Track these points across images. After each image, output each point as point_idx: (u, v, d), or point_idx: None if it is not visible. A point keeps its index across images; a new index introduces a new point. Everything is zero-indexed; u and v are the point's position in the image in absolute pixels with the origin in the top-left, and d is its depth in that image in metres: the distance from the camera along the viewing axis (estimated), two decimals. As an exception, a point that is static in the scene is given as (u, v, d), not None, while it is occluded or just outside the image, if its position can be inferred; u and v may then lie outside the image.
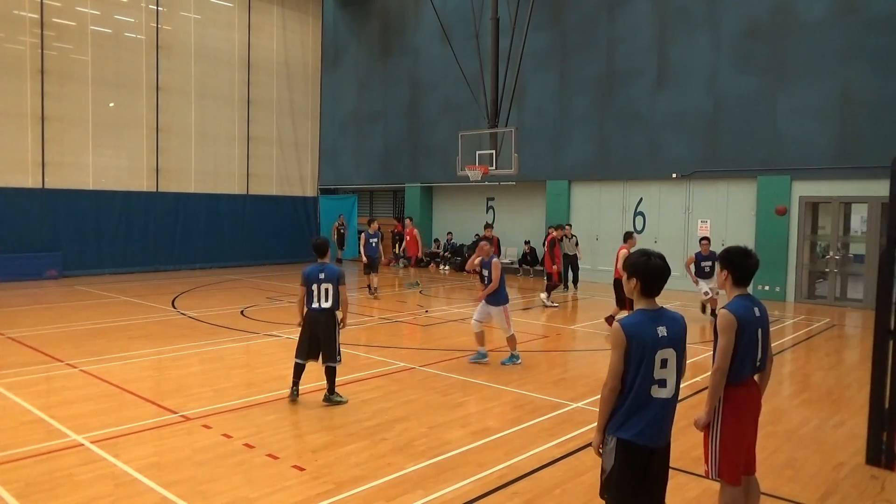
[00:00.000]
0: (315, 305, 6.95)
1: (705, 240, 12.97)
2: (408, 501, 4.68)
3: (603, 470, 3.45)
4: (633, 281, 3.40)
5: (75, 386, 7.68)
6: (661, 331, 3.35)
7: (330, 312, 7.00)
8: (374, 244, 15.74)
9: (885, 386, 5.40)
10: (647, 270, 3.37)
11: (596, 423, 3.48)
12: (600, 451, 3.47)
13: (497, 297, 8.76)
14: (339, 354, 7.06)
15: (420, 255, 19.09)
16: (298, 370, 7.07)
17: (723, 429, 3.78)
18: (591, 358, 9.92)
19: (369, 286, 15.77)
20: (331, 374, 7.03)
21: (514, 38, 17.94)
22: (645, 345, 3.30)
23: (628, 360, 3.31)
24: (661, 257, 3.41)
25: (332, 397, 7.02)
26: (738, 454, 3.81)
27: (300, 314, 7.12)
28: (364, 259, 15.77)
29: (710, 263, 12.59)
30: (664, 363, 3.34)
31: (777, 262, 15.94)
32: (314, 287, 6.95)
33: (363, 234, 16.06)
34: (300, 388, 7.14)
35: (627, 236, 12.32)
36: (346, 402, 7.03)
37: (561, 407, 7.01)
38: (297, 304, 7.12)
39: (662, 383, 3.34)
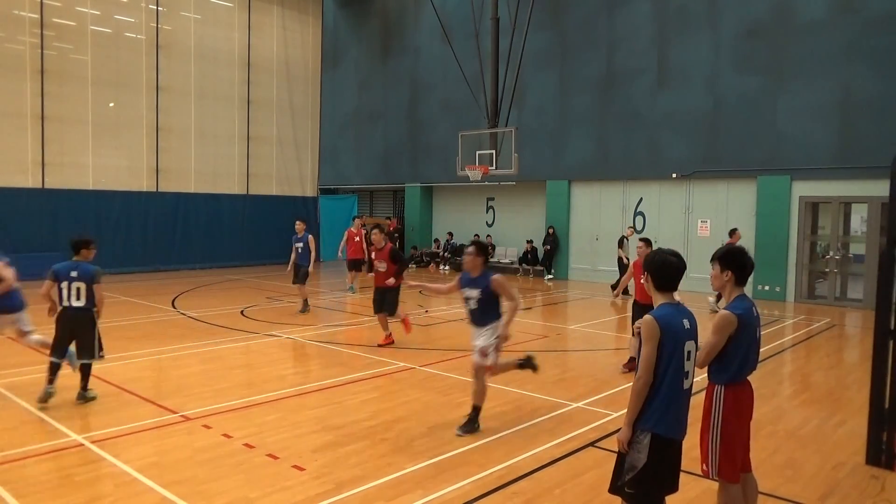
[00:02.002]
0: (66, 304, 6.89)
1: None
2: (408, 501, 4.68)
3: (632, 466, 3.47)
4: (646, 276, 3.64)
5: (75, 386, 7.67)
6: (686, 323, 3.53)
7: (84, 311, 6.93)
8: (299, 249, 12.98)
9: (885, 386, 5.40)
10: (662, 266, 3.59)
11: (625, 418, 3.52)
12: (628, 446, 3.50)
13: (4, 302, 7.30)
14: (102, 350, 7.04)
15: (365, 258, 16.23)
16: (54, 369, 6.86)
17: (722, 429, 3.82)
18: (591, 358, 9.92)
19: (305, 301, 13.15)
20: (85, 371, 7.00)
21: (514, 38, 17.94)
22: (676, 337, 3.44)
23: (660, 352, 3.42)
24: (676, 254, 3.64)
25: (84, 394, 6.98)
26: (735, 453, 3.84)
27: (49, 305, 6.91)
28: (290, 267, 13.24)
29: None
30: (688, 355, 3.50)
31: (777, 262, 15.93)
32: (64, 285, 6.89)
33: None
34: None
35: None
36: (96, 397, 7.00)
37: (561, 407, 7.01)
38: (43, 296, 6.83)
39: (686, 375, 3.50)
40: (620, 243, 16.81)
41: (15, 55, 17.84)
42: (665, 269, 3.58)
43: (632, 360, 8.16)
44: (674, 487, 3.61)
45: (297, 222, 13.53)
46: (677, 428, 3.51)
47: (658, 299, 3.60)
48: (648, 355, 3.42)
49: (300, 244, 13.03)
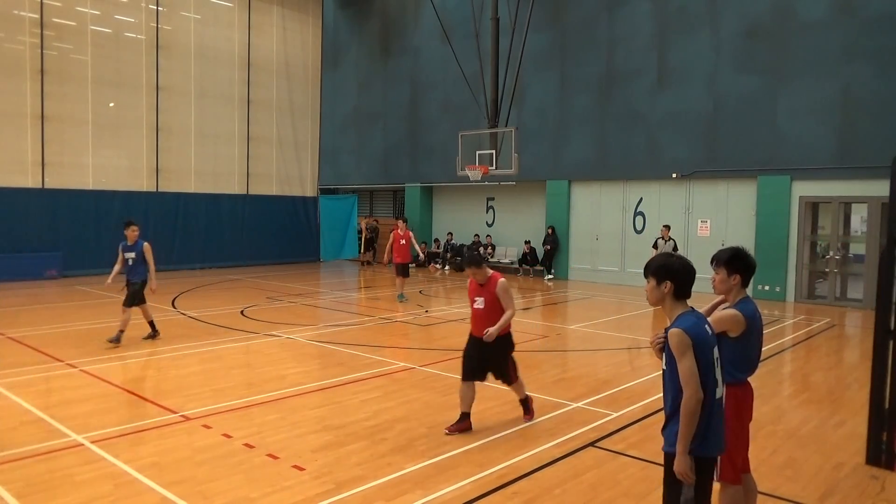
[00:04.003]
0: None
1: None
2: (408, 501, 4.68)
3: (687, 501, 3.17)
4: (667, 284, 3.28)
5: (75, 386, 7.68)
6: (708, 329, 3.29)
7: None
8: (130, 261, 10.13)
9: (885, 386, 5.40)
10: (688, 271, 3.29)
11: (680, 446, 3.14)
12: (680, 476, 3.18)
13: None
14: None
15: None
16: None
17: (725, 430, 3.79)
18: (591, 358, 9.92)
19: (152, 325, 10.32)
20: None
21: (514, 38, 17.94)
22: (706, 346, 3.20)
23: (697, 364, 3.15)
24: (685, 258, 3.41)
25: None
26: (737, 454, 3.84)
27: None
28: (112, 280, 10.13)
29: None
30: (717, 361, 3.28)
31: (777, 262, 15.93)
32: None
33: (116, 244, 10.26)
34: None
35: None
36: None
37: (561, 407, 7.01)
38: None
39: (717, 384, 3.27)
40: (656, 246, 15.83)
41: (15, 55, 17.84)
42: (690, 273, 3.28)
43: (464, 416, 6.27)
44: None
45: (130, 227, 10.31)
46: (719, 444, 3.27)
47: (676, 310, 3.28)
48: (691, 369, 3.10)
49: (131, 254, 10.14)
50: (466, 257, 6.38)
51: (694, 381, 3.09)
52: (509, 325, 6.31)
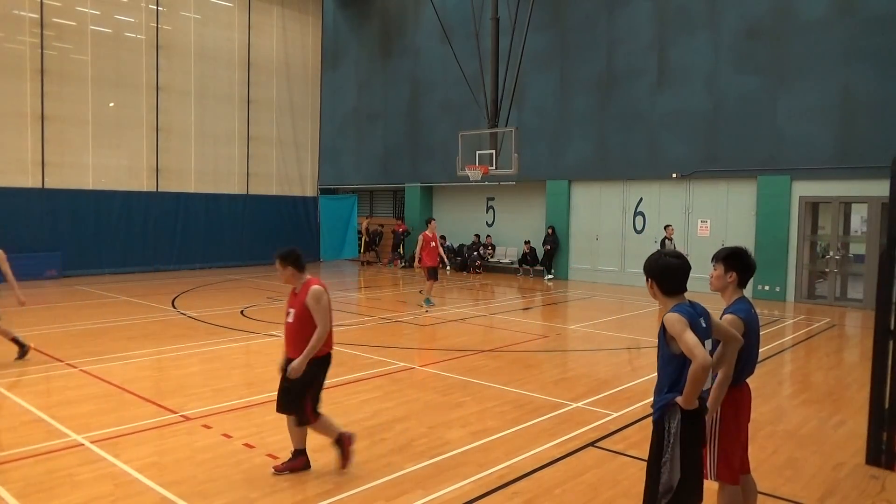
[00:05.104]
0: None
1: None
2: (408, 501, 4.68)
3: (668, 488, 3.25)
4: (649, 281, 3.44)
5: (75, 386, 7.68)
6: (702, 322, 3.37)
7: None
8: None
9: (885, 386, 5.40)
10: (665, 270, 3.39)
11: (686, 398, 3.25)
12: (661, 468, 3.30)
13: None
14: None
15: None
16: None
17: (721, 432, 3.80)
18: (591, 358, 9.92)
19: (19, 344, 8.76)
20: None
21: (514, 38, 17.93)
22: (697, 335, 3.25)
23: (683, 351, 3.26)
24: (678, 255, 3.47)
25: None
26: (735, 455, 3.84)
27: None
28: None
29: None
30: (710, 354, 3.36)
31: (777, 262, 15.93)
32: None
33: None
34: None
35: None
36: None
37: (561, 407, 7.01)
38: None
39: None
40: (663, 245, 15.33)
41: (15, 55, 17.84)
42: (668, 272, 3.37)
43: (296, 453, 5.16)
44: (702, 496, 3.46)
45: None
46: (703, 402, 3.38)
47: (669, 303, 3.38)
48: (692, 339, 3.15)
49: None
50: (281, 252, 5.10)
51: (699, 349, 3.15)
52: (329, 346, 5.16)
